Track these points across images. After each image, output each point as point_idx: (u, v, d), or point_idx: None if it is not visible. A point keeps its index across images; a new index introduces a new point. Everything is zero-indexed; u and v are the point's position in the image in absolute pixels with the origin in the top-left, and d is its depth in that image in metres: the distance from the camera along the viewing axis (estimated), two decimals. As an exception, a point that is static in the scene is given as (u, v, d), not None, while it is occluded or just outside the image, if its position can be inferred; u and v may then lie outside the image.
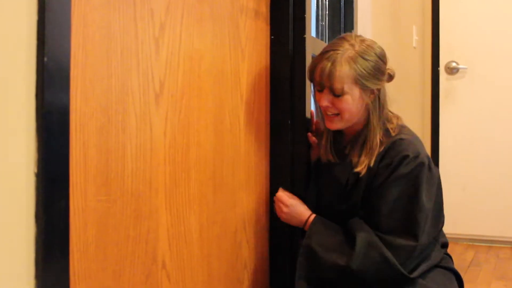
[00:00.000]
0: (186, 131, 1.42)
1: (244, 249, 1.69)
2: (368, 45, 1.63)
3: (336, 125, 1.67)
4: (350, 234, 1.60)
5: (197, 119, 1.46)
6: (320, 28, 2.47)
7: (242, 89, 1.68)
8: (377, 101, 1.66)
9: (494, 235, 3.98)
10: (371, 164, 1.62)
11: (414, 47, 3.84)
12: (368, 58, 1.61)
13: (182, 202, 1.40)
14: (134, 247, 1.24)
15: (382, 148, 1.63)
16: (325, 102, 1.63)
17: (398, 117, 1.72)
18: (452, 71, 4.09)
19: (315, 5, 2.42)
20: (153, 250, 1.30)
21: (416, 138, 1.69)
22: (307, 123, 1.83)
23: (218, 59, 1.55)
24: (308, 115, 1.83)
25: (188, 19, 1.42)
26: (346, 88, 1.59)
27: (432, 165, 1.64)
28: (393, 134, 1.65)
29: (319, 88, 1.64)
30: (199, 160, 1.47)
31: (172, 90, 1.36)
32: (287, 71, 1.80)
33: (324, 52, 1.63)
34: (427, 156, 1.64)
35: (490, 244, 3.99)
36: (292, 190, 1.78)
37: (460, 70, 4.06)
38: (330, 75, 1.58)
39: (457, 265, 3.28)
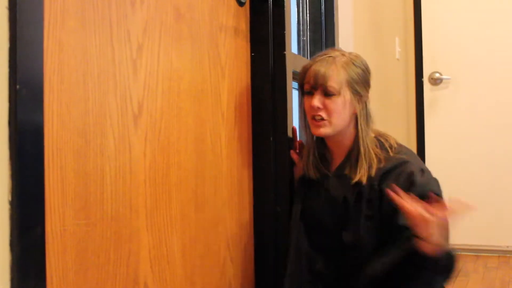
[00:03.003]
0: (166, 151, 1.41)
1: (228, 267, 1.68)
2: (356, 55, 1.69)
3: (324, 130, 1.65)
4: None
5: (177, 139, 1.46)
6: (301, 43, 2.48)
7: (223, 108, 1.67)
8: (365, 110, 1.67)
9: (482, 244, 4.00)
10: (372, 174, 1.60)
11: (397, 59, 3.87)
12: (358, 65, 1.65)
13: (164, 223, 1.40)
14: (115, 270, 1.23)
15: (382, 164, 1.61)
16: (316, 103, 1.62)
17: (390, 136, 1.71)
18: (435, 81, 4.11)
19: (296, 20, 2.43)
20: (134, 272, 1.29)
21: (416, 157, 1.68)
22: (289, 140, 1.83)
23: (197, 78, 1.55)
24: (290, 132, 1.83)
25: (166, 39, 1.42)
26: (340, 88, 1.61)
27: None
28: (391, 152, 1.63)
29: (311, 90, 1.65)
30: (180, 180, 1.46)
31: (151, 111, 1.35)
32: (268, 88, 1.80)
33: (317, 57, 1.67)
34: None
35: (477, 253, 4.00)
36: (275, 208, 1.78)
37: (443, 80, 4.09)
38: (326, 74, 1.61)
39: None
